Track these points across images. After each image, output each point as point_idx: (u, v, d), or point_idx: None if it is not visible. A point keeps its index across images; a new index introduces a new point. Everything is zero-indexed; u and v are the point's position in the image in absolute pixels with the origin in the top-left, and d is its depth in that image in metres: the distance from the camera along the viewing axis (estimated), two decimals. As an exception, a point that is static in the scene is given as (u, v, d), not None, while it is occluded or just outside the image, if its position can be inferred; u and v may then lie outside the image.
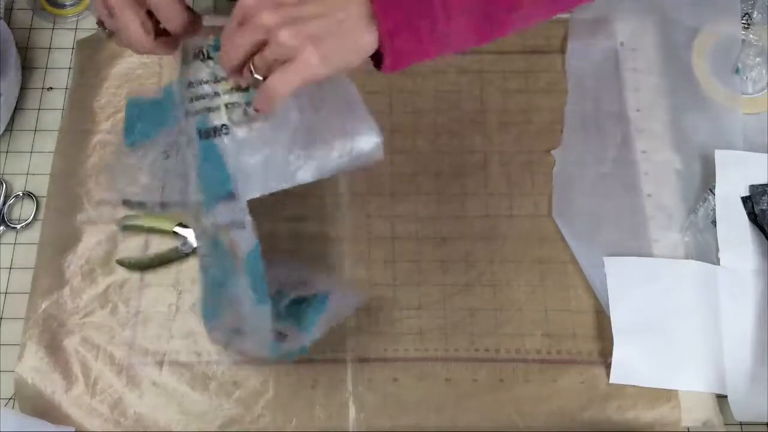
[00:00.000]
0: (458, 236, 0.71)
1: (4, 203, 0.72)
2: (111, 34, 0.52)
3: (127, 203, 0.57)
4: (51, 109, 0.76)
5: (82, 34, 0.79)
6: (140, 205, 0.56)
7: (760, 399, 0.64)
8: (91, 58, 0.77)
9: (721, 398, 0.65)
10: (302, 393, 0.65)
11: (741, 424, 0.65)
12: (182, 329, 0.67)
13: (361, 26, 0.46)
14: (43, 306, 0.67)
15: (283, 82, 0.46)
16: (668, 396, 0.65)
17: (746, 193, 0.70)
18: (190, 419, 0.64)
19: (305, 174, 0.51)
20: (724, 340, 0.65)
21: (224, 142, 0.50)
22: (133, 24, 0.49)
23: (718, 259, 0.68)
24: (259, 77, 0.46)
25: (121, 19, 0.49)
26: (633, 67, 0.77)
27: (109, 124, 0.74)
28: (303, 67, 0.45)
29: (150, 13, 0.50)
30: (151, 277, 0.69)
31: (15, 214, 0.72)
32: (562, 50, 0.78)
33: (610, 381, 0.65)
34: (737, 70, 0.77)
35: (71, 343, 0.66)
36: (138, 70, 0.76)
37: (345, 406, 0.65)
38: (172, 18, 0.49)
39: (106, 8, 0.50)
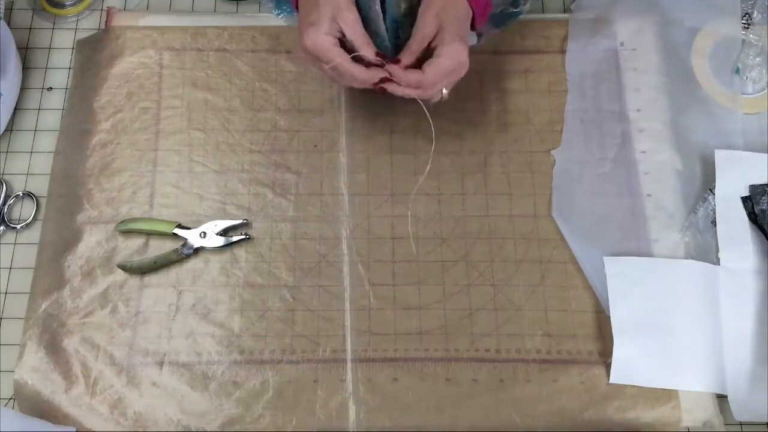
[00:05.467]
0: (458, 236, 0.71)
1: (4, 203, 0.72)
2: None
3: None
4: (51, 109, 0.76)
5: (82, 34, 0.79)
6: None
7: (760, 399, 0.64)
8: (91, 58, 0.77)
9: (721, 398, 0.65)
10: (302, 393, 0.65)
11: (741, 424, 0.65)
12: (182, 329, 0.67)
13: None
14: (43, 306, 0.67)
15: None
16: (668, 396, 0.65)
17: (746, 193, 0.70)
18: (190, 419, 0.64)
19: None
20: (724, 340, 0.65)
21: None
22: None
23: (718, 259, 0.68)
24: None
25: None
26: (633, 67, 0.77)
27: (109, 124, 0.74)
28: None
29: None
30: (151, 277, 0.69)
31: (15, 214, 0.72)
32: (562, 50, 0.78)
33: (610, 381, 0.65)
34: (737, 70, 0.77)
35: (71, 343, 0.66)
36: (138, 70, 0.76)
37: (345, 406, 0.65)
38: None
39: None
